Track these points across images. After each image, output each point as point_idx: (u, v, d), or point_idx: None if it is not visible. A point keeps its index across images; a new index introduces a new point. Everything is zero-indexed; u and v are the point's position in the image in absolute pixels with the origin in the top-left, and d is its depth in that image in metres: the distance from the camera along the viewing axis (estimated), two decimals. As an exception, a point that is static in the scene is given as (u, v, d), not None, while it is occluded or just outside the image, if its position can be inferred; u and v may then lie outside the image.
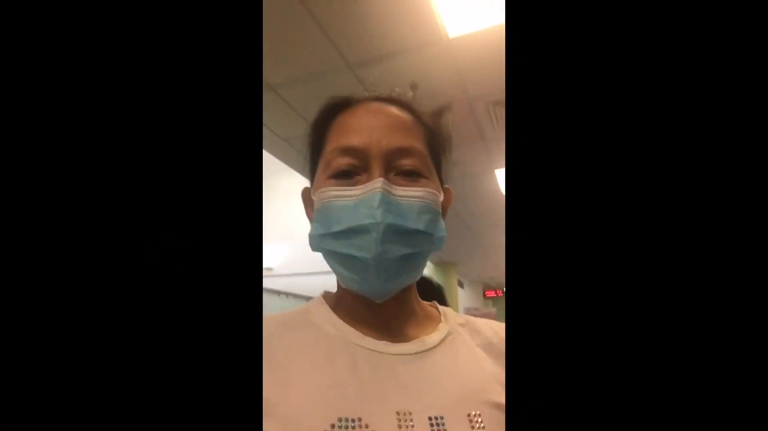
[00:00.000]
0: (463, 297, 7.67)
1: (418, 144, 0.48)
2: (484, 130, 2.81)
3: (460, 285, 7.63)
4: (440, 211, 0.49)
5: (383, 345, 0.46)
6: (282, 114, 2.55)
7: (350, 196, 0.45)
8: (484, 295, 9.32)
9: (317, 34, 1.94)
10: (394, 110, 0.49)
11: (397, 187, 0.45)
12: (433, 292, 1.84)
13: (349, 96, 0.51)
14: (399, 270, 0.45)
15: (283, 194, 3.52)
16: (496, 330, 0.53)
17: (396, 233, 0.44)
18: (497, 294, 9.16)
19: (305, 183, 0.55)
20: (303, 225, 0.50)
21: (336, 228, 0.45)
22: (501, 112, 2.57)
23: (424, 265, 0.49)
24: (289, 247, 4.71)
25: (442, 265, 6.38)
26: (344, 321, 0.48)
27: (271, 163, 2.92)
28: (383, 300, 0.47)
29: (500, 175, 3.46)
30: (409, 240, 0.45)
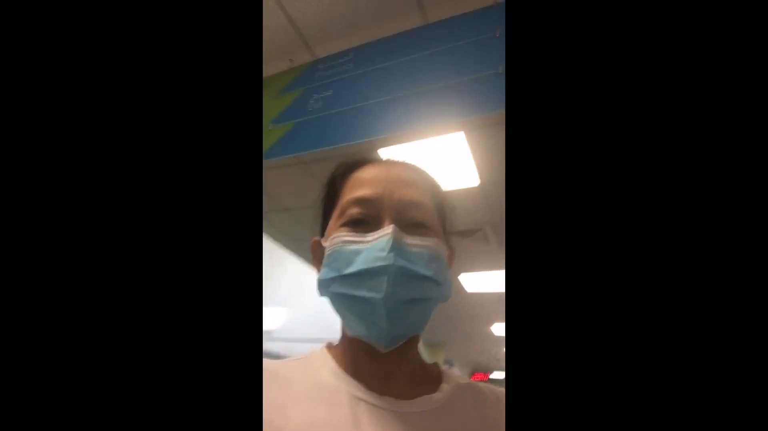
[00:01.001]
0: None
1: (426, 200, 0.51)
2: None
3: (450, 364, 7.92)
4: (446, 263, 0.50)
5: (387, 401, 0.45)
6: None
7: (363, 242, 0.46)
8: (472, 378, 9.43)
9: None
10: (404, 168, 0.53)
11: (407, 236, 0.47)
12: None
13: (363, 156, 0.55)
14: (406, 315, 0.46)
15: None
16: (497, 394, 0.52)
17: (406, 277, 0.45)
18: (485, 378, 9.39)
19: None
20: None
21: (347, 270, 0.46)
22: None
23: (429, 315, 0.49)
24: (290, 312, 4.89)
25: (431, 345, 6.69)
26: (347, 372, 0.48)
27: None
28: (388, 348, 0.46)
29: (465, 278, 3.90)
30: (418, 286, 0.46)
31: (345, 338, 0.51)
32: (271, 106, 1.89)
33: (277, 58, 1.93)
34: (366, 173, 0.52)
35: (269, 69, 1.98)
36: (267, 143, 1.79)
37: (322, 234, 0.54)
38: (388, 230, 0.46)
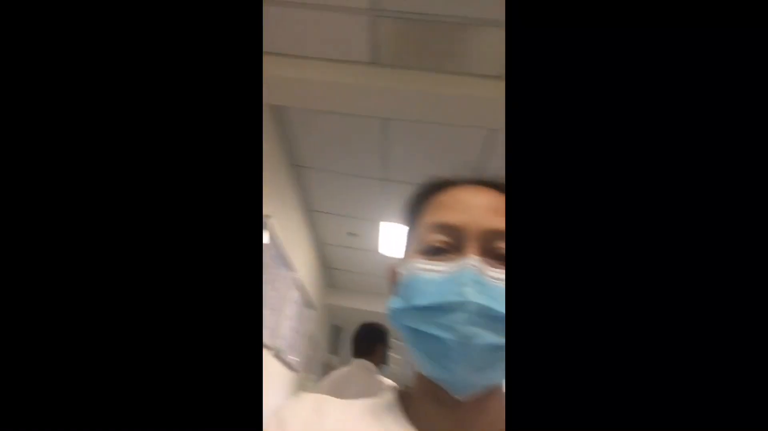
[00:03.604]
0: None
1: None
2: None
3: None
4: None
5: None
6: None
7: (439, 271, 0.42)
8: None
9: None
10: (491, 193, 0.47)
11: (492, 269, 0.41)
12: (379, 335, 2.02)
13: (449, 177, 0.50)
14: (486, 362, 0.40)
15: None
16: None
17: (486, 317, 0.39)
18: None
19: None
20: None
21: (419, 302, 0.41)
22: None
23: None
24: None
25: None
26: (414, 424, 0.43)
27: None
28: (465, 396, 0.41)
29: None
30: (501, 329, 0.39)
31: (419, 380, 0.46)
32: None
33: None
34: (451, 197, 0.47)
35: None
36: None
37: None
38: (470, 261, 0.41)
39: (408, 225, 0.51)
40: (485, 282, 0.40)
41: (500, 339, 0.39)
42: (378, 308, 4.44)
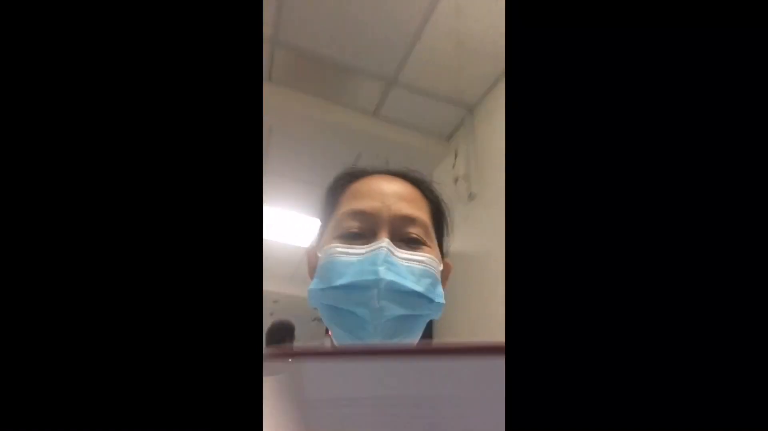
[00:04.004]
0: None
1: (422, 215, 0.50)
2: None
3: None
4: (440, 278, 0.50)
5: None
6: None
7: (355, 254, 0.46)
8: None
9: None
10: (402, 182, 0.53)
11: (400, 251, 0.46)
12: (287, 329, 2.62)
13: (364, 167, 0.55)
14: (396, 331, 0.45)
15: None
16: None
17: (395, 292, 0.44)
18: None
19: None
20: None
21: (337, 282, 0.45)
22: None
23: (421, 330, 0.49)
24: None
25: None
26: None
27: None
28: None
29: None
30: (408, 302, 0.45)
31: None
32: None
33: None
34: (364, 185, 0.52)
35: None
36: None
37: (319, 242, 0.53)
38: (381, 243, 0.46)
39: (325, 211, 0.55)
40: (395, 262, 0.45)
41: (408, 310, 0.45)
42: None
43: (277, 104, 2.18)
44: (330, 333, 0.53)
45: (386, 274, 0.44)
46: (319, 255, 0.50)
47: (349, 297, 0.45)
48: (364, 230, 0.48)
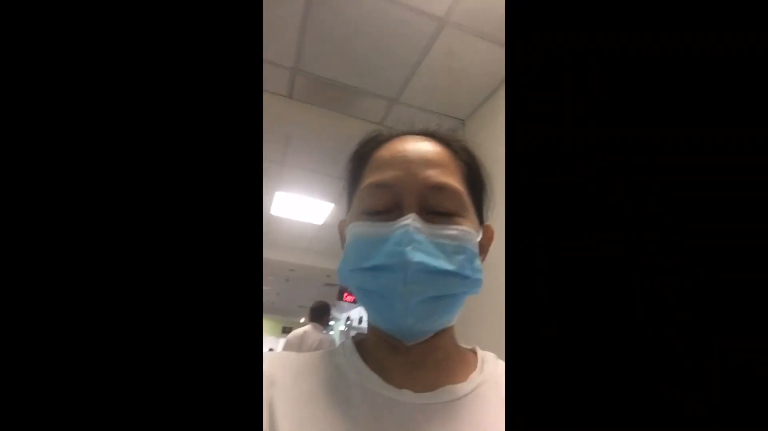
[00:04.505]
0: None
1: (454, 181, 0.46)
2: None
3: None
4: (477, 251, 0.46)
5: (404, 394, 0.43)
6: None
7: (380, 233, 0.43)
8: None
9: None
10: (430, 145, 0.48)
11: (430, 225, 0.43)
12: (326, 308, 3.46)
13: (386, 131, 0.51)
14: (429, 313, 0.43)
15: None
16: None
17: (425, 273, 0.41)
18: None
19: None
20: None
21: (364, 264, 0.43)
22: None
23: (459, 308, 0.46)
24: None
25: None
26: (369, 366, 0.46)
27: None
28: (413, 342, 0.44)
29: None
30: (440, 282, 0.42)
31: (371, 328, 0.49)
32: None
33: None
34: (387, 151, 0.48)
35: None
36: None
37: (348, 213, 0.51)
38: (407, 220, 0.42)
39: (350, 182, 0.52)
40: (422, 240, 0.42)
41: (440, 291, 0.42)
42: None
43: (296, 116, 2.58)
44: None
45: (413, 255, 0.41)
46: (345, 232, 0.49)
47: (377, 280, 0.43)
48: (389, 204, 0.45)
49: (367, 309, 0.47)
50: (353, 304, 7.10)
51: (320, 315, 3.35)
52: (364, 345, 0.50)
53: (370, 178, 0.47)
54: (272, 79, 2.40)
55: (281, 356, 0.49)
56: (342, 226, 0.52)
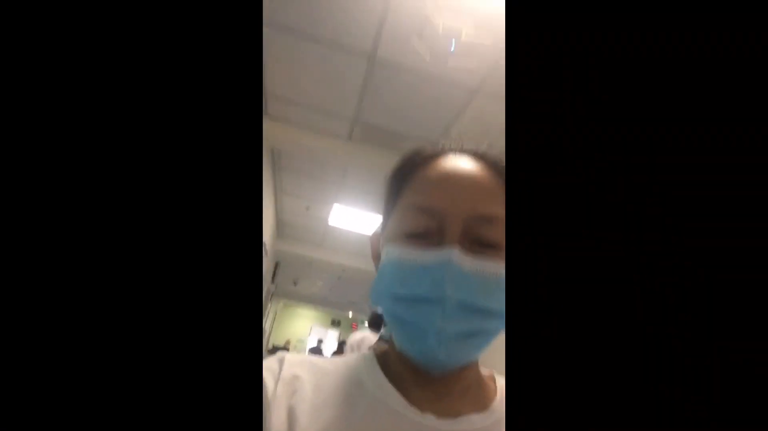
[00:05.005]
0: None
1: (501, 210, 0.43)
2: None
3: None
4: None
5: (428, 419, 0.41)
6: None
7: (420, 261, 0.41)
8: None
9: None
10: (478, 168, 0.45)
11: (473, 259, 0.40)
12: (381, 318, 3.69)
13: (434, 148, 0.48)
14: (461, 348, 0.41)
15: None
16: None
17: (464, 309, 0.40)
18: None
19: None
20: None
21: (400, 291, 0.41)
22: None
23: (488, 344, 0.43)
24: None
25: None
26: (392, 384, 0.44)
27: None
28: (440, 374, 0.42)
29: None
30: (478, 318, 0.40)
31: (396, 351, 0.46)
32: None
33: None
34: (434, 172, 0.45)
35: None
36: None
37: (384, 227, 0.48)
38: (450, 255, 0.40)
39: (389, 198, 0.49)
40: (463, 276, 0.39)
41: (477, 328, 0.41)
42: (306, 252, 6.00)
43: (356, 155, 3.13)
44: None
45: (454, 292, 0.39)
46: (381, 251, 0.46)
47: (412, 309, 0.41)
48: (431, 229, 0.42)
49: (396, 334, 0.45)
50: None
51: (376, 323, 3.84)
52: (386, 360, 0.48)
53: (413, 198, 0.45)
54: (333, 125, 2.96)
55: (303, 360, 0.47)
56: (376, 240, 0.50)
